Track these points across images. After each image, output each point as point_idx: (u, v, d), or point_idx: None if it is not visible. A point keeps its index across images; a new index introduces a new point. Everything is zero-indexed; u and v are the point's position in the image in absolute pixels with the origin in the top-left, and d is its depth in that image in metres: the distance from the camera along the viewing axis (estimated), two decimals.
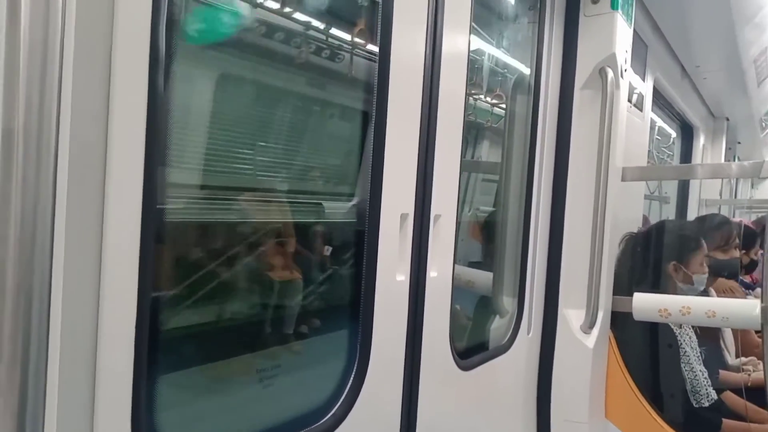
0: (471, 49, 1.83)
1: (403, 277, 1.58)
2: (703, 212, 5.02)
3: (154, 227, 0.97)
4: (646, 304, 2.41)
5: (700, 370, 2.65)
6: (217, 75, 1.52)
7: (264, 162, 1.76)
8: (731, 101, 4.90)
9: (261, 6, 1.56)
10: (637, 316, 2.41)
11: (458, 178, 1.77)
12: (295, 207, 1.75)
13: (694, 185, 5.09)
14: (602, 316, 2.36)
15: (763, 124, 5.90)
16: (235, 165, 1.67)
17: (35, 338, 0.79)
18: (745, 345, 3.10)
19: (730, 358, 3.07)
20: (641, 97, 3.03)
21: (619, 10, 2.31)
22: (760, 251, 3.72)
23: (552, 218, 2.40)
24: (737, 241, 3.18)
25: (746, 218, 5.32)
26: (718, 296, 3.00)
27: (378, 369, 1.51)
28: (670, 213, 4.93)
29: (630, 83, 2.67)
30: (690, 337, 2.69)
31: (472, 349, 2.08)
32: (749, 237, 3.69)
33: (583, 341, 2.33)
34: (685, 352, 2.63)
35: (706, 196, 5.20)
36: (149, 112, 0.94)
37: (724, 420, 2.63)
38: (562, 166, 2.38)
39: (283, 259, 1.68)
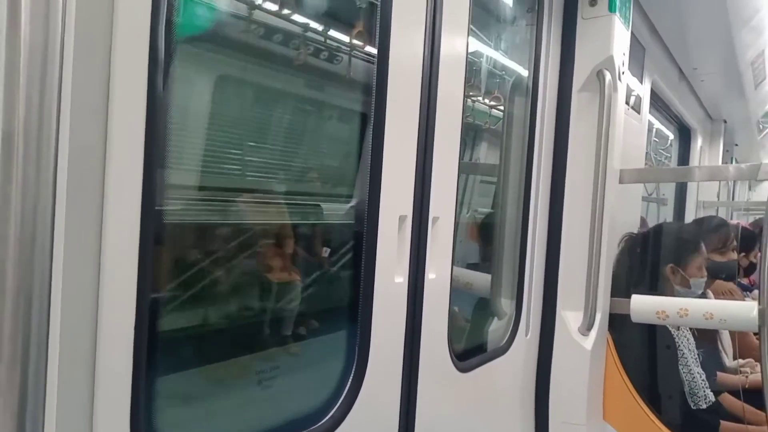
0: (469, 51, 1.83)
1: (401, 279, 1.58)
2: (701, 214, 5.02)
3: (154, 228, 0.97)
4: (643, 306, 2.41)
5: (698, 372, 2.65)
6: (215, 77, 1.52)
7: (263, 163, 1.76)
8: (728, 103, 4.92)
9: (259, 8, 1.56)
10: (635, 318, 2.41)
11: (456, 179, 1.78)
12: (294, 209, 1.75)
13: (691, 187, 5.09)
14: (600, 318, 2.36)
15: (761, 126, 5.93)
16: (234, 166, 1.67)
17: (35, 339, 0.79)
18: (742, 347, 3.10)
19: (728, 360, 3.06)
20: (639, 99, 3.04)
21: (617, 13, 2.31)
22: (759, 254, 3.72)
23: (550, 220, 2.40)
24: (735, 243, 3.19)
25: (743, 220, 5.32)
26: (716, 298, 3.00)
27: (376, 371, 1.51)
28: (667, 215, 4.94)
29: (628, 85, 2.68)
30: (688, 339, 2.69)
31: (470, 351, 2.08)
32: (748, 239, 3.68)
33: (581, 343, 2.33)
34: (683, 354, 2.64)
35: (703, 197, 5.21)
36: (149, 113, 0.94)
37: (722, 422, 2.63)
38: (560, 168, 2.38)
39: (281, 261, 1.68)
